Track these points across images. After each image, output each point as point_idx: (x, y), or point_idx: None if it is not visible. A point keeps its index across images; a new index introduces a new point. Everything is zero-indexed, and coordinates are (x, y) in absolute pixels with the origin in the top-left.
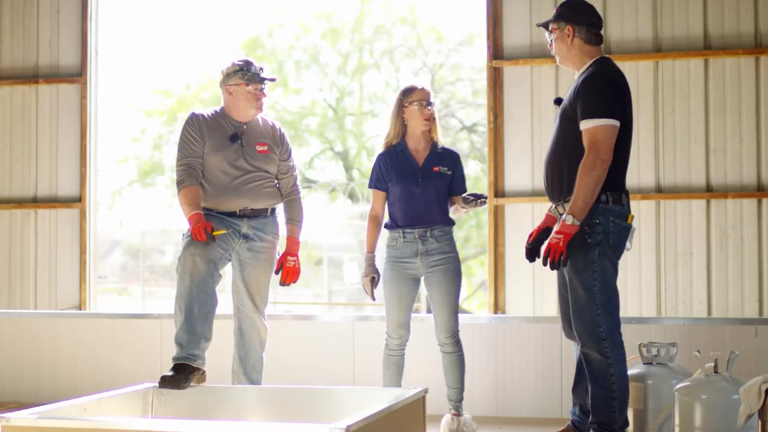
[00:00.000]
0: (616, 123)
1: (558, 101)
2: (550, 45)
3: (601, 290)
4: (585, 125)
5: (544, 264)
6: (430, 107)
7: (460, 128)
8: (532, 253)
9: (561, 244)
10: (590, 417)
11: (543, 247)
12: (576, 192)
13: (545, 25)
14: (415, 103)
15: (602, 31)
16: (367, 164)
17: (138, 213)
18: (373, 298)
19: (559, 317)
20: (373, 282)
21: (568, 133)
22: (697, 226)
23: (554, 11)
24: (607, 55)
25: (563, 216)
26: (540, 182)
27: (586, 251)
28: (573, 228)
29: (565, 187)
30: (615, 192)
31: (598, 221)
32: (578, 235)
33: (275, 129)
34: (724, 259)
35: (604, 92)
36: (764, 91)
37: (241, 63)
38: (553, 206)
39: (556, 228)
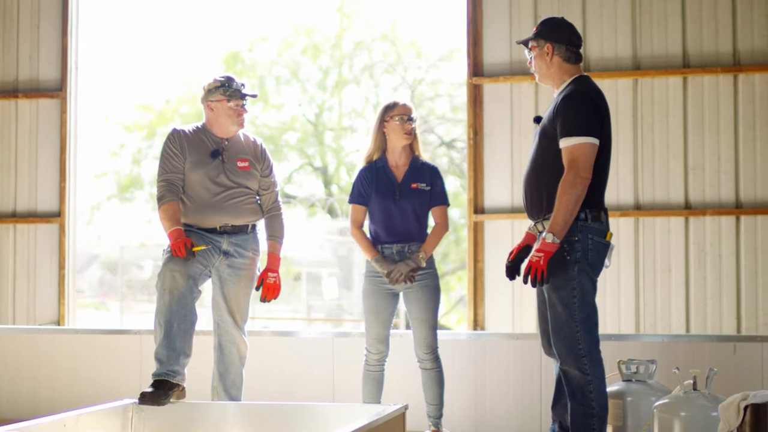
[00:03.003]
0: (596, 141)
1: (537, 119)
2: (530, 62)
3: (581, 307)
4: (564, 143)
5: (525, 282)
6: (410, 122)
7: (438, 144)
8: (512, 271)
9: (542, 262)
10: None
11: (523, 265)
12: (556, 210)
13: (525, 43)
14: (396, 117)
15: (582, 50)
16: (346, 179)
17: (116, 227)
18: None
19: (538, 334)
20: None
21: (548, 151)
22: (676, 243)
23: (534, 29)
24: (586, 73)
25: (543, 234)
26: (519, 199)
27: (565, 268)
28: (553, 246)
29: (545, 205)
30: (594, 209)
31: (577, 238)
32: (557, 253)
33: (257, 145)
34: (702, 277)
35: (583, 110)
36: (742, 108)
37: (222, 79)
38: (533, 224)
39: (536, 246)
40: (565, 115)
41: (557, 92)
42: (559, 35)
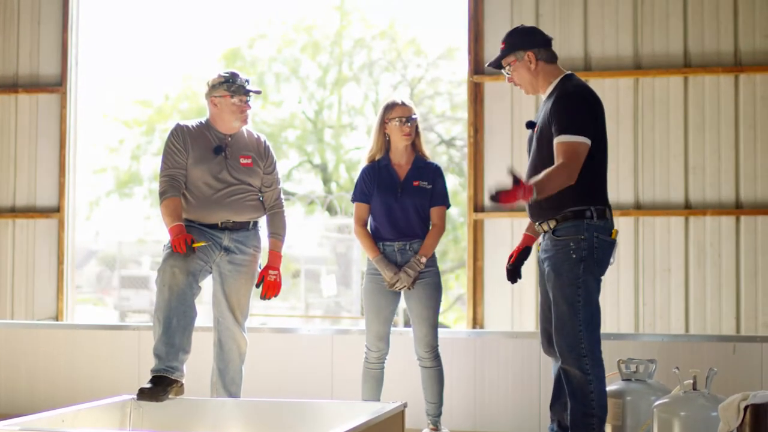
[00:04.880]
0: (588, 141)
1: (530, 125)
2: (510, 80)
3: (585, 306)
4: (558, 140)
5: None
6: (409, 124)
7: (438, 142)
8: (513, 274)
9: (513, 198)
10: None
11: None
12: (546, 177)
13: (498, 65)
14: (396, 119)
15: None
16: (346, 177)
17: (115, 223)
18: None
19: (538, 332)
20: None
21: (548, 155)
22: (676, 242)
23: (502, 46)
24: (570, 71)
25: (530, 180)
26: None
27: (571, 267)
28: (528, 197)
29: (547, 207)
30: (599, 207)
31: (583, 237)
32: (563, 251)
33: (260, 142)
34: (702, 276)
35: (576, 109)
36: (743, 109)
37: (226, 75)
38: (537, 224)
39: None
40: (560, 114)
41: (546, 95)
42: (533, 40)
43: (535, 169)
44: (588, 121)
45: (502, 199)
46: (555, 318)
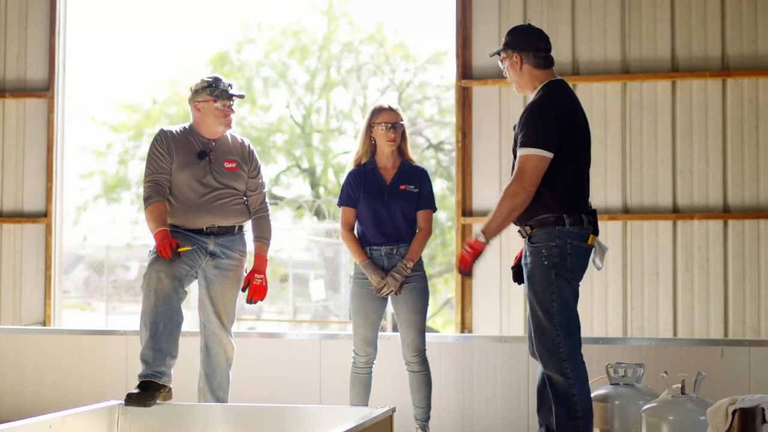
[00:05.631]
0: (547, 154)
1: (515, 128)
2: (505, 73)
3: (560, 311)
4: (518, 152)
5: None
6: (394, 130)
7: (426, 146)
8: (518, 275)
9: (468, 258)
10: None
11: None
12: (493, 214)
13: (496, 54)
14: (381, 124)
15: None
16: (334, 181)
17: (102, 228)
18: (398, 293)
19: (526, 337)
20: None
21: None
22: (664, 246)
23: (503, 40)
24: (560, 77)
25: (476, 232)
26: None
27: (543, 273)
28: (480, 244)
29: (523, 215)
30: (573, 214)
31: (554, 244)
32: (537, 258)
33: (244, 146)
34: (690, 280)
35: (539, 122)
36: (731, 113)
37: (209, 79)
38: (518, 231)
39: (468, 241)
40: (522, 125)
41: (530, 99)
42: (525, 43)
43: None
44: (550, 134)
45: (460, 267)
46: (533, 324)
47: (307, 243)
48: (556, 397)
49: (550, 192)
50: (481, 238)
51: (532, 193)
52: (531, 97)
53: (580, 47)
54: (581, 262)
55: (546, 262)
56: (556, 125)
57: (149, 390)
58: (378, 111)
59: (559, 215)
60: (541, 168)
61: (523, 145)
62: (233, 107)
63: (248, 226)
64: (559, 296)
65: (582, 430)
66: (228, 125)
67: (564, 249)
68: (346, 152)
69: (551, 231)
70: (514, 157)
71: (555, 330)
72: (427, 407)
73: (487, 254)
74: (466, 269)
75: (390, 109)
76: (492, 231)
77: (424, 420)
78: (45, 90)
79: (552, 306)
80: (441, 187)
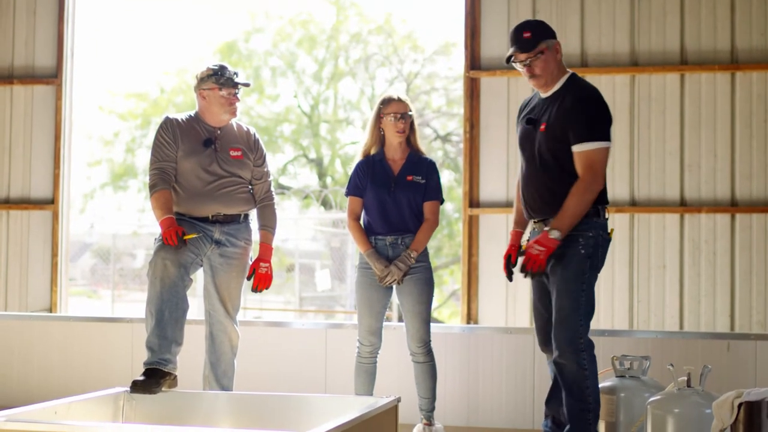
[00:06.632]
0: (609, 145)
1: (531, 121)
2: (534, 69)
3: (586, 302)
4: (581, 148)
5: (523, 273)
6: (403, 121)
7: (434, 137)
8: (511, 272)
9: (542, 257)
10: (566, 428)
11: (520, 260)
12: (567, 211)
13: (531, 48)
14: (390, 115)
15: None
16: (341, 171)
17: (109, 216)
18: (401, 282)
19: (532, 328)
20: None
21: (558, 152)
22: (671, 239)
23: (528, 35)
24: (584, 69)
25: (547, 229)
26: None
27: (579, 262)
28: (556, 243)
29: (557, 204)
30: (604, 205)
31: (591, 234)
32: (573, 246)
33: (250, 134)
34: (696, 273)
35: (597, 114)
36: (739, 106)
37: (215, 67)
38: (536, 221)
39: (535, 238)
40: (580, 119)
41: (550, 92)
42: (553, 32)
43: (543, 164)
44: (607, 125)
45: (534, 269)
46: (556, 311)
47: (313, 233)
48: (569, 388)
49: None
50: (556, 235)
51: (603, 185)
52: (555, 88)
53: (588, 39)
54: (605, 253)
55: (583, 252)
56: (609, 116)
57: (154, 377)
58: (387, 102)
59: (596, 207)
60: (607, 159)
61: (589, 138)
62: (238, 96)
63: (254, 215)
64: (588, 287)
65: (592, 422)
66: (233, 113)
67: (597, 240)
68: (354, 143)
69: (589, 222)
70: (543, 148)
71: (579, 320)
72: (432, 397)
73: (493, 247)
74: (543, 269)
75: (399, 100)
76: (567, 227)
77: (429, 410)
78: (53, 77)
79: (581, 295)
80: (448, 179)
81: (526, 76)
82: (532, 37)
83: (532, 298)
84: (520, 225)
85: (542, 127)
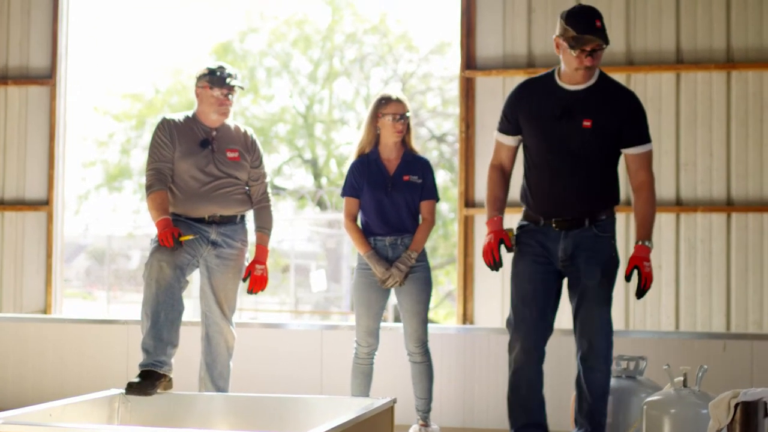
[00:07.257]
0: None
1: (567, 114)
2: (594, 58)
3: (611, 304)
4: (643, 149)
5: (640, 295)
6: (402, 121)
7: (429, 138)
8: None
9: (652, 273)
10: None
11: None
12: (648, 216)
13: (608, 40)
14: (389, 115)
15: None
16: (336, 172)
17: (104, 217)
18: (402, 284)
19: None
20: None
21: (606, 148)
22: (666, 239)
23: (600, 25)
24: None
25: (642, 242)
26: (512, 193)
27: (614, 267)
28: (649, 251)
29: (601, 201)
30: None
31: (612, 233)
32: (609, 246)
33: (247, 135)
34: (692, 273)
35: (646, 116)
36: (735, 105)
37: (213, 67)
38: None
39: (638, 254)
40: (642, 121)
41: (588, 84)
42: None
43: (588, 159)
44: None
45: (650, 285)
46: (597, 317)
47: (309, 234)
48: (601, 395)
49: (617, 182)
50: (650, 245)
51: None
52: (591, 81)
53: None
54: None
55: (614, 252)
56: None
57: (150, 379)
58: (386, 101)
59: (614, 205)
60: None
61: (649, 140)
62: (231, 98)
63: (250, 216)
64: (612, 290)
65: (604, 425)
66: (223, 114)
67: (615, 239)
68: (349, 143)
69: (613, 221)
70: (589, 144)
71: (611, 324)
72: (429, 398)
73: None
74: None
75: (398, 100)
76: (651, 233)
77: (426, 411)
78: (48, 78)
79: (611, 297)
80: (443, 179)
81: (580, 65)
82: (603, 27)
83: (528, 295)
84: (501, 211)
85: (587, 122)
